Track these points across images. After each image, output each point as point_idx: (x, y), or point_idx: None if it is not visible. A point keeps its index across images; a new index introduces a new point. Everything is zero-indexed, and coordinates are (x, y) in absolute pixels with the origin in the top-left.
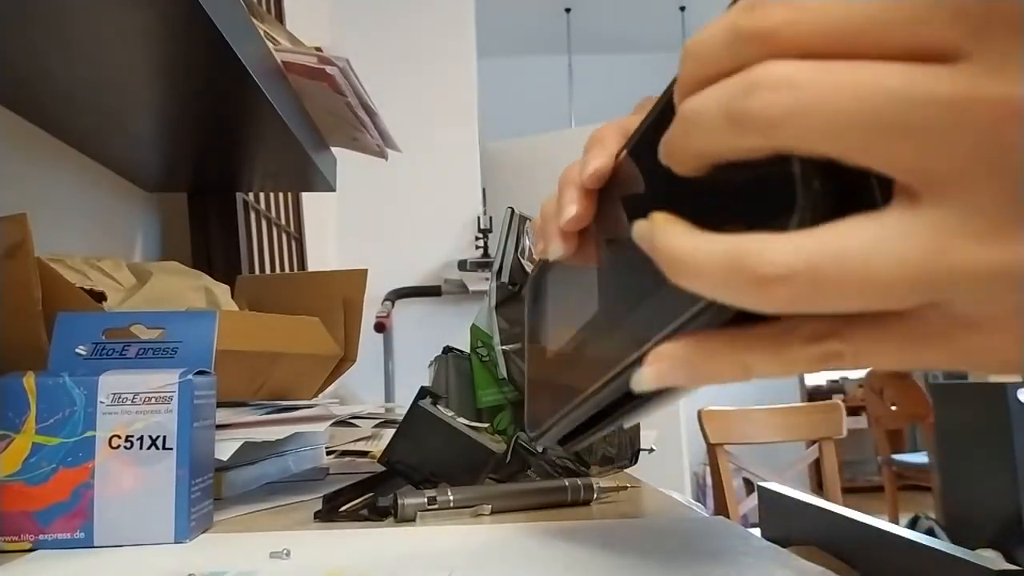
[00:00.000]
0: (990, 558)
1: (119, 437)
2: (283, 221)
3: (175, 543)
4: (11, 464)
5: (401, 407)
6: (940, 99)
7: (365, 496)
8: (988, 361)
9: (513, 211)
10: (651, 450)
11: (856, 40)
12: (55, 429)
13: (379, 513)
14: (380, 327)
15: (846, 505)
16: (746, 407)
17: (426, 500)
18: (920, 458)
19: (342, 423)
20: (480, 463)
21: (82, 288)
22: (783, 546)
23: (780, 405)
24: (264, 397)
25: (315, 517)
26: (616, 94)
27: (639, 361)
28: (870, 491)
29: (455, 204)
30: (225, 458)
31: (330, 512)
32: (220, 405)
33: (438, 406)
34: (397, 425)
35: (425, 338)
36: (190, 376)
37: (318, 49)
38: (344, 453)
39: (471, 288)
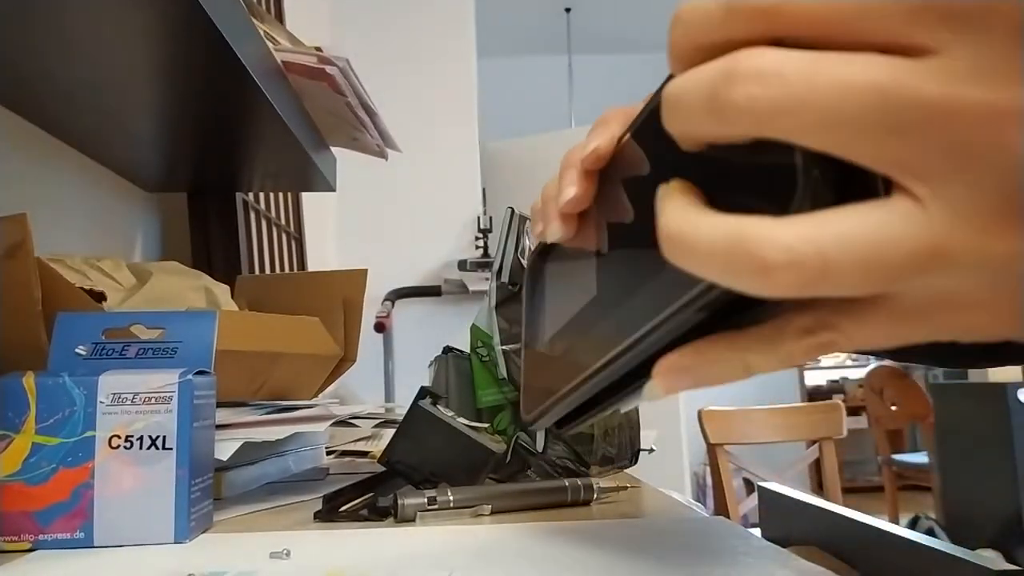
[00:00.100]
0: (990, 558)
1: (119, 437)
2: (283, 221)
3: (175, 543)
4: (11, 464)
5: (401, 407)
6: (923, 99)
7: (365, 496)
8: (973, 334)
9: (513, 211)
10: (651, 450)
11: (846, 27)
12: (55, 429)
13: (379, 513)
14: (380, 327)
15: (846, 505)
16: (746, 407)
17: (426, 500)
18: (920, 458)
19: (342, 423)
20: (480, 463)
21: (82, 288)
22: (783, 546)
23: (780, 405)
24: (264, 397)
25: (315, 517)
26: (616, 94)
27: (640, 341)
28: (870, 491)
29: (455, 204)
30: (225, 458)
31: (330, 512)
32: (220, 405)
33: (438, 406)
34: (397, 425)
35: (425, 338)
36: (190, 376)
37: (318, 49)
38: (344, 453)
39: (471, 288)
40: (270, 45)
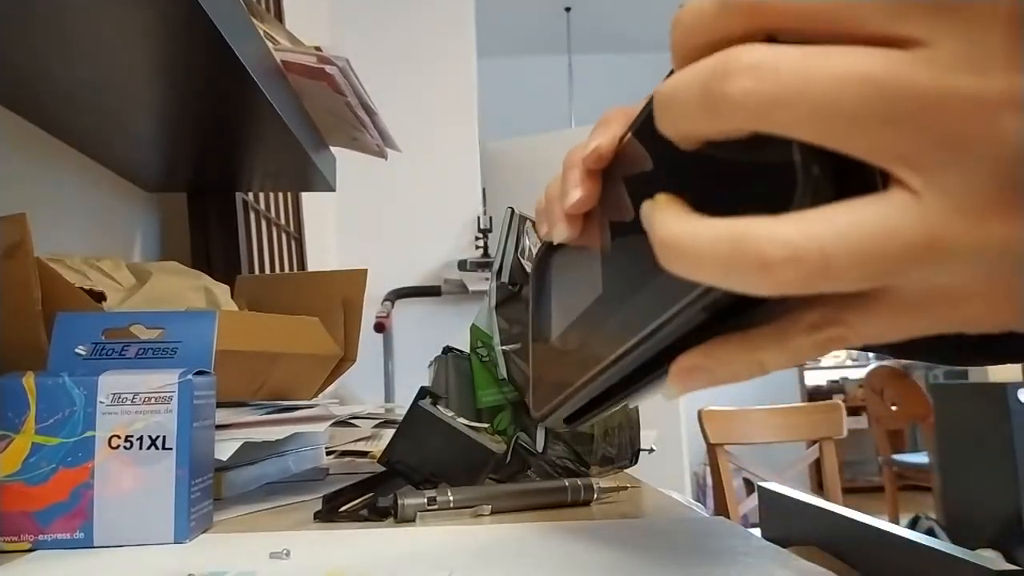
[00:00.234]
0: (990, 558)
1: (119, 437)
2: (283, 221)
3: (175, 543)
4: (11, 464)
5: (401, 407)
6: (917, 89)
7: (365, 496)
8: (975, 324)
9: (513, 211)
10: (651, 450)
11: (837, 20)
12: (55, 429)
13: (379, 513)
14: (380, 327)
15: (846, 505)
16: (746, 407)
17: (426, 500)
18: (920, 458)
19: (342, 423)
20: (480, 463)
21: (82, 288)
22: (783, 546)
23: (780, 405)
24: (264, 397)
25: (315, 517)
26: (616, 94)
27: (646, 340)
28: (870, 491)
29: (455, 204)
30: (225, 458)
31: (330, 512)
32: (220, 405)
33: (438, 406)
34: (397, 425)
35: (425, 338)
36: (190, 376)
37: (318, 49)
38: (344, 453)
39: (471, 288)
40: (270, 45)
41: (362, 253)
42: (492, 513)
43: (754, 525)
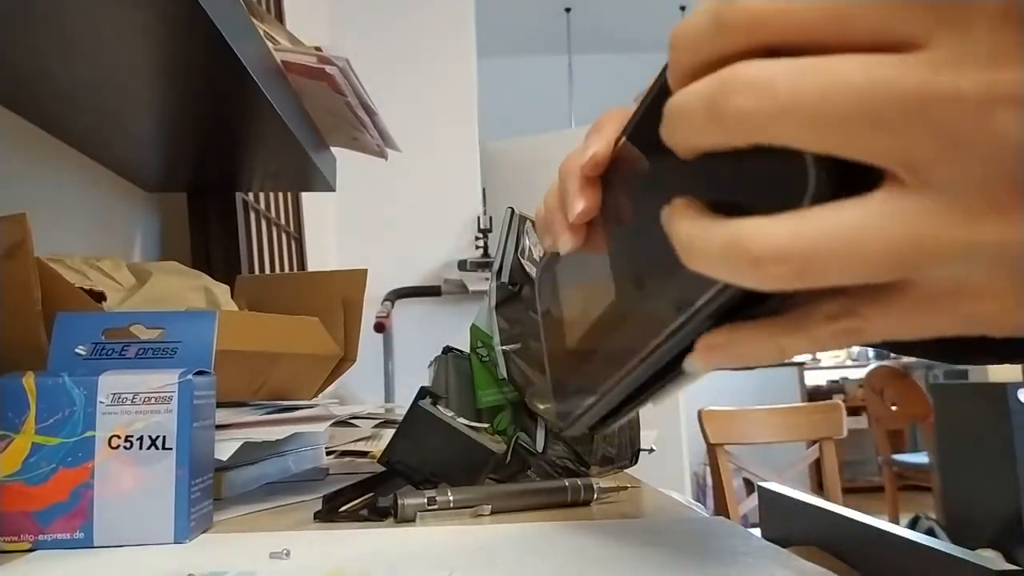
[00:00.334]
0: (990, 558)
1: (119, 437)
2: (283, 221)
3: (175, 543)
4: (11, 464)
5: (401, 407)
6: (899, 91)
7: (365, 496)
8: (991, 325)
9: (513, 211)
10: (651, 450)
11: (833, 29)
12: (55, 429)
13: (379, 513)
14: (380, 327)
15: (846, 505)
16: (746, 407)
17: (426, 500)
18: (920, 458)
19: (342, 423)
20: (480, 463)
21: (82, 288)
22: (783, 546)
23: (780, 405)
24: (264, 397)
25: (315, 517)
26: (616, 94)
27: (670, 338)
28: (870, 491)
29: (455, 204)
30: (225, 458)
31: (330, 512)
32: (220, 405)
33: (438, 406)
34: (397, 425)
35: (425, 338)
36: (190, 376)
37: (318, 49)
38: (344, 453)
39: (471, 288)
40: (270, 45)
41: (362, 253)
42: (492, 513)
43: (754, 525)
